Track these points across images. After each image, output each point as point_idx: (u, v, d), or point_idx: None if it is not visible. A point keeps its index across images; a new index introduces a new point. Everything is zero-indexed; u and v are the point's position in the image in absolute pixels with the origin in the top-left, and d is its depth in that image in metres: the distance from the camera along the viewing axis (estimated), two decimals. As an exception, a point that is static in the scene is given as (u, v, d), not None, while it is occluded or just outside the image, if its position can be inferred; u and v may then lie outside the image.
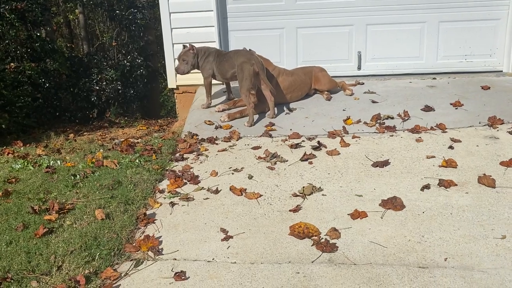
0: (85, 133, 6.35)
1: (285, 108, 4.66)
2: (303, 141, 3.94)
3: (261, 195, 3.08)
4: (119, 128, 6.92)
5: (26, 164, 3.94)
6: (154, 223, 2.82)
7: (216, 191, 3.18)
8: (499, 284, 2.12)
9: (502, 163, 3.27)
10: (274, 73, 4.70)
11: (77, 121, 7.95)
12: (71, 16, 13.34)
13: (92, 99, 8.36)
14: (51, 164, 3.87)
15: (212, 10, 5.22)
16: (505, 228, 2.54)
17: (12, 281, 2.27)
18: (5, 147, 5.02)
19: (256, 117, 4.45)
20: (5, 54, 7.07)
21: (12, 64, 6.83)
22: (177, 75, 5.43)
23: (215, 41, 5.24)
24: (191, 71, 4.71)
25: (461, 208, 2.78)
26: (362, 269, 2.28)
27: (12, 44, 7.18)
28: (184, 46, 4.67)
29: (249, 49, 4.60)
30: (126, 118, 8.74)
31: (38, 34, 7.73)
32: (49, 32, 9.20)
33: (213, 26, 5.26)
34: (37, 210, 2.96)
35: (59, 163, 3.89)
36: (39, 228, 2.72)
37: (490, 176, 3.05)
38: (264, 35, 5.43)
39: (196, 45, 4.66)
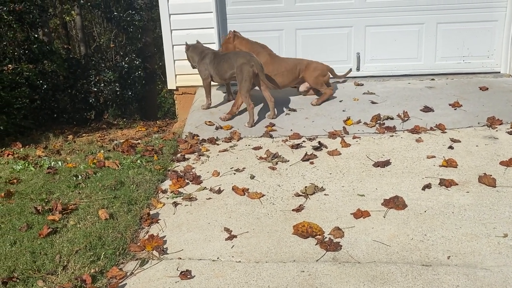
0: (83, 135, 6.33)
1: (285, 109, 4.69)
2: (303, 141, 3.96)
3: (263, 195, 3.09)
4: (118, 129, 6.91)
5: (27, 165, 3.93)
6: (158, 223, 2.83)
7: (219, 191, 3.19)
8: (502, 281, 2.15)
9: (502, 163, 3.30)
10: (263, 57, 4.70)
11: (75, 123, 7.93)
12: (67, 18, 13.29)
13: (90, 100, 8.34)
14: (52, 165, 3.87)
15: (211, 12, 5.24)
16: (507, 227, 2.57)
17: (18, 280, 2.27)
18: (4, 148, 5.01)
19: (256, 117, 4.47)
20: (2, 55, 7.04)
21: (9, 65, 6.80)
22: (177, 76, 5.48)
23: (215, 43, 5.26)
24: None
25: (463, 207, 2.80)
26: (366, 267, 2.30)
27: (9, 46, 7.16)
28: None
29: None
30: (124, 119, 8.73)
31: (36, 35, 7.71)
32: (46, 33, 9.18)
33: (213, 28, 5.27)
34: (40, 211, 2.96)
35: (60, 164, 3.89)
36: (43, 228, 2.72)
37: (491, 175, 3.08)
38: (264, 37, 5.42)
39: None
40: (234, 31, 4.84)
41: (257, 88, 4.55)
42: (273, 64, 4.73)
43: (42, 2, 8.21)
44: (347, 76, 5.43)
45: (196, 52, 4.72)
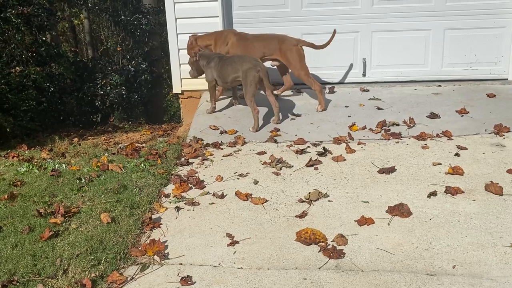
0: (89, 138, 6.35)
1: (290, 114, 4.66)
2: (308, 146, 3.93)
3: (266, 201, 3.07)
4: (123, 132, 6.93)
5: (31, 167, 3.94)
6: (160, 227, 2.81)
7: (222, 196, 3.17)
8: (509, 292, 2.11)
9: (509, 171, 3.26)
10: (230, 40, 4.74)
11: (81, 126, 7.97)
12: (76, 21, 13.42)
13: (96, 103, 8.37)
14: (56, 168, 3.87)
15: (218, 16, 5.24)
16: (514, 236, 2.52)
17: (18, 283, 2.26)
18: (10, 150, 5.04)
19: (261, 122, 4.45)
20: (10, 58, 7.10)
21: (17, 68, 6.86)
22: (182, 80, 5.48)
23: (221, 47, 5.25)
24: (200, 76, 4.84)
25: (469, 215, 2.76)
26: (369, 276, 2.26)
27: (17, 48, 7.22)
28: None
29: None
30: (130, 123, 8.75)
31: (44, 38, 7.77)
32: (54, 36, 9.25)
33: (219, 32, 5.27)
34: (42, 213, 2.95)
35: (64, 167, 3.89)
36: (44, 231, 2.71)
37: (497, 183, 3.03)
38: (270, 41, 5.43)
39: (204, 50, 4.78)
40: (192, 35, 4.89)
41: (262, 92, 4.54)
42: (240, 46, 4.76)
43: (50, 5, 8.28)
44: (354, 82, 5.42)
45: (204, 58, 4.68)
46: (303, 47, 4.73)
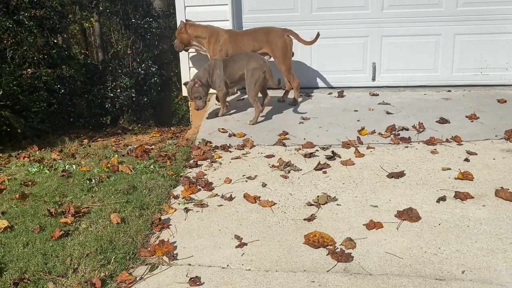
0: (99, 139, 6.40)
1: (298, 117, 4.67)
2: (317, 150, 3.93)
3: (275, 203, 3.07)
4: (133, 134, 6.98)
5: (42, 167, 3.98)
6: (169, 228, 2.83)
7: (230, 198, 3.18)
8: (519, 298, 2.09)
9: (519, 177, 3.24)
10: (222, 37, 4.85)
11: (91, 127, 8.02)
12: (86, 24, 13.54)
13: (106, 105, 8.44)
14: (66, 168, 3.91)
15: (228, 20, 5.27)
16: (524, 242, 2.51)
17: (29, 282, 2.28)
18: (21, 151, 5.10)
19: (260, 119, 4.54)
20: (22, 60, 7.17)
21: (29, 70, 6.93)
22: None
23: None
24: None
25: (478, 221, 2.74)
26: (378, 280, 2.26)
27: (29, 50, 7.29)
28: (185, 84, 4.82)
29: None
30: (139, 125, 8.81)
31: (55, 41, 7.84)
32: (65, 39, 9.33)
33: (229, 35, 5.30)
34: (53, 213, 2.98)
35: (74, 168, 3.93)
36: (55, 230, 2.74)
37: (508, 189, 3.01)
38: (279, 45, 5.45)
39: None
40: (186, 20, 4.96)
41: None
42: (231, 43, 4.86)
43: (62, 8, 8.36)
44: (364, 86, 5.42)
45: (203, 77, 4.63)
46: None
